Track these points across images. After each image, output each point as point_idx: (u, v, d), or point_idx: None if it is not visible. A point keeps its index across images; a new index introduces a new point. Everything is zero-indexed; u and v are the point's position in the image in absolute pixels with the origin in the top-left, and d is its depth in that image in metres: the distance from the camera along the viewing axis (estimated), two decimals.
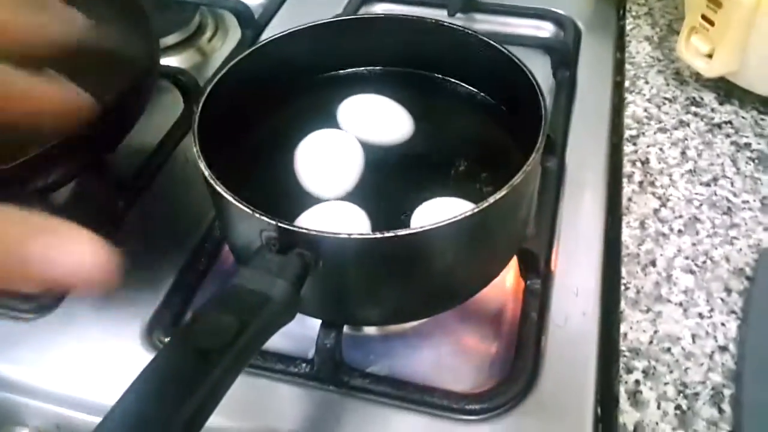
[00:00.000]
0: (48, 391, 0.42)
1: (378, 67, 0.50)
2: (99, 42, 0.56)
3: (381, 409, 0.40)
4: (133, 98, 0.48)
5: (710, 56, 0.55)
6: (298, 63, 0.47)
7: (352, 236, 0.33)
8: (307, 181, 0.43)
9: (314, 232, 0.33)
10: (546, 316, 0.44)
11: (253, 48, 0.45)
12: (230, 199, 0.35)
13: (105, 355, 0.43)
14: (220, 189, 0.35)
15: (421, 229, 0.33)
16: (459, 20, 0.68)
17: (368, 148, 0.44)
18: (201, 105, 0.39)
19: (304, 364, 0.41)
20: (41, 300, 0.45)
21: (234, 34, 0.69)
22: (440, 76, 0.49)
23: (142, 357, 0.42)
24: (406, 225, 0.39)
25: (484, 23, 0.70)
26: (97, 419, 0.25)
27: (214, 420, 0.37)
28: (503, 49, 0.42)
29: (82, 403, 0.42)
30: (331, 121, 0.46)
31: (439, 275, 0.38)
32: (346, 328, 0.41)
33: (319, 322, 0.40)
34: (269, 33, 0.68)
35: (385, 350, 0.44)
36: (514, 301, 0.46)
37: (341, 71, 0.50)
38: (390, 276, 0.37)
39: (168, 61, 0.66)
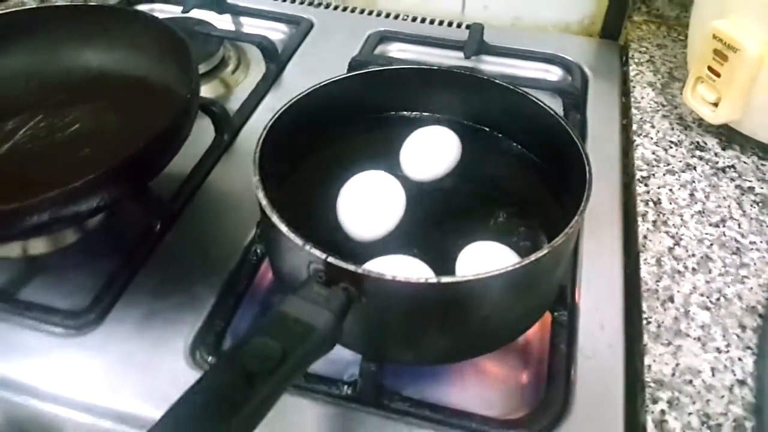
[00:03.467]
0: (89, 404, 0.43)
1: (426, 114, 0.52)
2: (146, 76, 0.58)
3: (419, 429, 0.41)
4: (177, 128, 0.49)
5: (715, 104, 0.59)
6: (351, 104, 0.49)
7: (396, 278, 0.35)
8: (347, 223, 0.44)
9: (360, 270, 0.35)
10: (574, 348, 0.46)
11: (313, 88, 0.46)
12: (285, 231, 0.36)
13: (148, 371, 0.44)
14: (276, 221, 0.37)
15: (463, 279, 0.35)
16: (472, 62, 0.71)
17: (415, 185, 0.46)
18: (263, 137, 0.41)
19: (346, 387, 0.42)
20: (86, 317, 0.46)
21: (255, 67, 0.71)
22: (486, 128, 0.51)
23: (186, 374, 0.44)
24: (451, 268, 0.41)
25: (496, 65, 0.73)
26: None
27: None
28: (555, 114, 0.45)
29: (123, 417, 0.43)
30: (379, 161, 0.48)
31: (477, 324, 0.39)
32: None
33: None
34: (291, 68, 0.71)
35: (419, 376, 0.45)
36: (541, 333, 0.48)
37: (392, 113, 0.52)
38: (430, 320, 0.38)
39: None
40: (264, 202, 0.38)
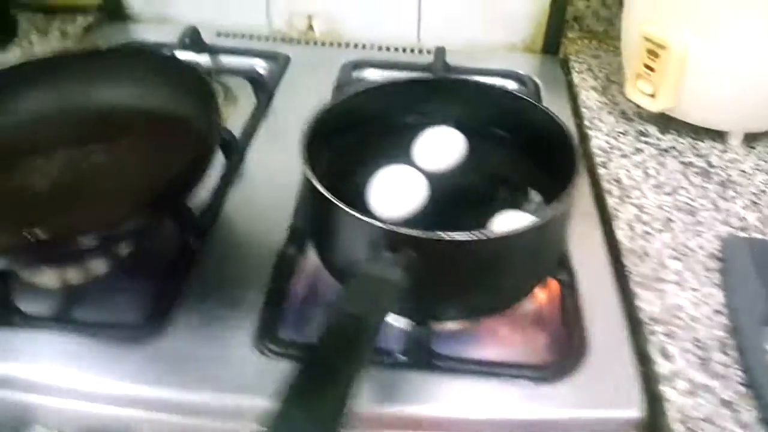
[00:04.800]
0: (166, 400, 0.48)
1: (433, 117, 0.59)
2: (158, 109, 0.62)
3: (468, 381, 0.48)
4: (208, 153, 0.55)
5: (653, 95, 0.70)
6: (376, 110, 0.56)
7: (447, 237, 0.42)
8: (379, 206, 0.51)
9: (417, 234, 0.42)
10: (579, 302, 0.54)
11: (346, 97, 0.54)
12: (351, 211, 0.43)
13: (217, 365, 0.49)
14: (341, 205, 0.43)
15: (503, 234, 0.43)
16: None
17: (431, 176, 0.54)
18: (306, 138, 0.49)
19: (400, 355, 0.49)
20: (148, 326, 0.51)
21: (241, 100, 0.77)
22: (485, 126, 0.59)
23: (254, 362, 0.49)
24: None
25: None
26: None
27: None
28: (544, 108, 0.54)
29: (202, 409, 0.47)
30: (396, 157, 0.55)
31: (510, 274, 0.47)
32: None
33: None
34: (279, 97, 0.77)
35: (458, 341, 0.52)
36: (548, 299, 0.56)
37: (408, 119, 0.59)
38: (475, 274, 0.45)
39: None
40: (323, 190, 0.44)
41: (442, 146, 0.56)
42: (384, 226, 0.41)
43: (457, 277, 0.45)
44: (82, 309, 0.54)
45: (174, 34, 0.84)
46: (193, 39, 0.81)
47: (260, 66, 0.83)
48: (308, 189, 0.46)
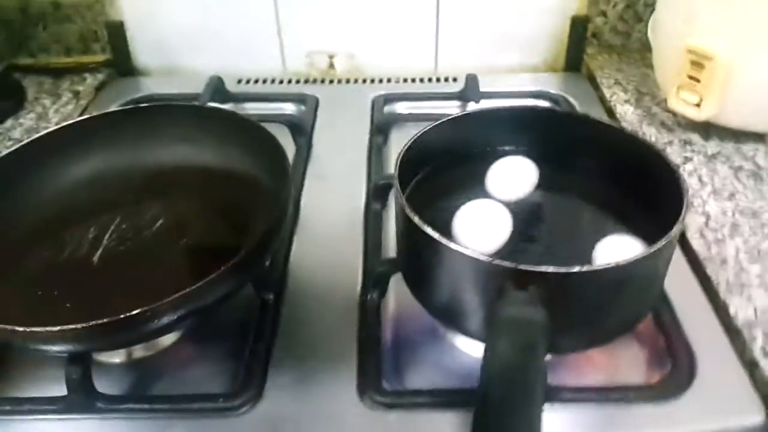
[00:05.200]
0: None
1: (517, 147, 0.58)
2: (206, 165, 0.60)
3: (586, 410, 0.47)
4: (281, 218, 0.53)
5: (698, 105, 0.70)
6: (449, 143, 0.55)
7: (576, 270, 0.40)
8: (467, 242, 0.50)
9: (543, 270, 0.40)
10: (676, 316, 0.53)
11: (422, 132, 0.52)
12: (472, 254, 0.41)
13: (329, 425, 0.47)
14: (460, 248, 0.42)
15: (629, 260, 0.41)
16: (478, 106, 0.80)
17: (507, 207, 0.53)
18: (398, 167, 0.48)
19: None
20: (246, 393, 0.48)
21: None
22: (565, 153, 0.57)
23: (365, 418, 0.47)
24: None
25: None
26: None
27: None
28: (643, 140, 0.53)
29: None
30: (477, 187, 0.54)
31: (634, 299, 0.46)
32: None
33: None
34: (316, 138, 0.76)
35: (559, 371, 0.50)
36: None
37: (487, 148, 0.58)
38: (598, 303, 0.44)
39: None
40: (437, 236, 0.42)
41: (515, 176, 0.56)
42: (513, 266, 0.40)
43: (582, 309, 0.44)
44: (160, 383, 0.50)
45: (187, 85, 0.83)
46: (218, 88, 0.80)
47: (291, 110, 0.81)
48: (411, 232, 0.45)
